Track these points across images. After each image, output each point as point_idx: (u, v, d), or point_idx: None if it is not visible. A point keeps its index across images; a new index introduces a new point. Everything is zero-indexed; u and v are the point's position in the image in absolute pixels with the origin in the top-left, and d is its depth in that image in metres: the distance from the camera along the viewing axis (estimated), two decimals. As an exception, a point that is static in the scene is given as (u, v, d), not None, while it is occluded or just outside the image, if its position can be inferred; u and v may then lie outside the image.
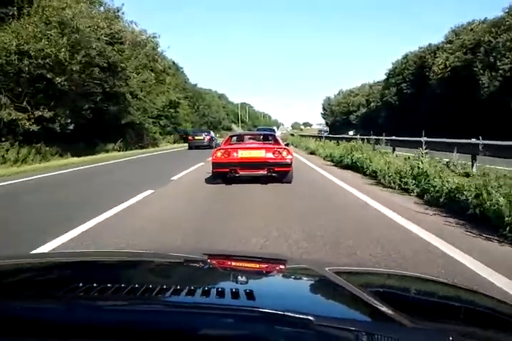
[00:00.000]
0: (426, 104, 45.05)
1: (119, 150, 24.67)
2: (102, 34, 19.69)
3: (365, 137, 13.75)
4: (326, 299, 1.06)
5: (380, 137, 12.72)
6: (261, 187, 8.63)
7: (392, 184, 8.31)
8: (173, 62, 54.14)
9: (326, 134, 48.37)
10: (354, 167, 12.07)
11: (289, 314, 0.73)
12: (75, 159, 18.16)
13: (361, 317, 0.87)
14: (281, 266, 1.48)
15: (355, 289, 1.01)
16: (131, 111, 25.28)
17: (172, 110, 36.78)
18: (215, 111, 70.36)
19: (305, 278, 1.28)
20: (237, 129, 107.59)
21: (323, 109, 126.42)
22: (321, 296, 1.09)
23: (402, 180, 8.05)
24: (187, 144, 29.11)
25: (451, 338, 0.71)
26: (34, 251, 3.90)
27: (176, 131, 39.58)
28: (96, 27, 18.41)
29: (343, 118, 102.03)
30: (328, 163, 14.98)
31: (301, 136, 51.04)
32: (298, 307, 0.82)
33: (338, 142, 26.47)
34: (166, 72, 38.93)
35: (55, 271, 1.27)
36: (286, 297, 0.96)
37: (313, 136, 45.36)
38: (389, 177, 8.58)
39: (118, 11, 25.21)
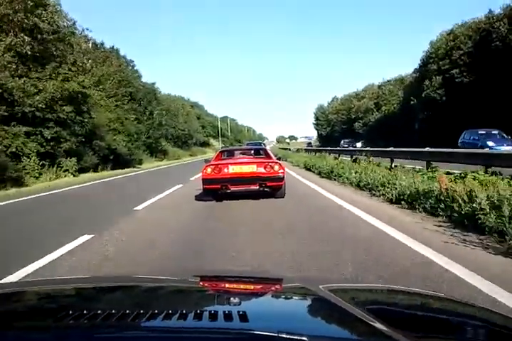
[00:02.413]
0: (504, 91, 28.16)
1: None
2: None
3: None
4: (321, 319, 1.03)
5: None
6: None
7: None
8: (113, 47, 36.60)
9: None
10: None
11: (283, 335, 0.72)
12: None
13: (357, 336, 0.85)
14: (275, 286, 1.44)
15: (350, 307, 0.98)
16: None
17: (68, 108, 18.62)
18: (183, 122, 52.48)
19: (299, 298, 1.26)
20: (217, 145, 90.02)
21: (316, 118, 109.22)
22: (316, 316, 1.06)
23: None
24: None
25: None
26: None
27: (90, 149, 21.58)
28: None
29: (343, 128, 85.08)
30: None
31: (308, 151, 33.43)
32: (292, 328, 0.79)
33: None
34: (67, 42, 21.11)
35: (44, 299, 1.23)
36: (280, 318, 0.94)
37: (335, 151, 27.79)
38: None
39: None
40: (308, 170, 16.87)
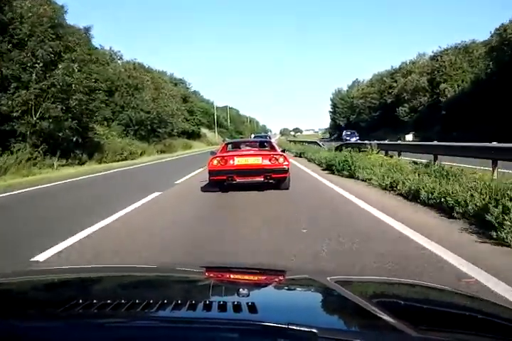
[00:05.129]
0: None
1: None
2: None
3: None
4: (330, 310, 1.03)
5: None
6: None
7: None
8: None
9: None
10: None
11: (293, 327, 0.72)
12: None
13: (365, 328, 0.85)
14: (282, 277, 1.43)
15: (358, 299, 0.98)
16: None
17: None
18: (149, 100, 33.96)
19: (307, 289, 1.25)
20: (212, 137, 71.53)
21: (334, 105, 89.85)
22: (324, 307, 1.05)
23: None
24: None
25: None
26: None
27: None
28: None
29: (374, 116, 66.11)
30: None
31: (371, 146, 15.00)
32: (301, 319, 0.79)
33: None
34: None
35: (54, 287, 1.23)
36: (288, 309, 0.94)
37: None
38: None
39: None
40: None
